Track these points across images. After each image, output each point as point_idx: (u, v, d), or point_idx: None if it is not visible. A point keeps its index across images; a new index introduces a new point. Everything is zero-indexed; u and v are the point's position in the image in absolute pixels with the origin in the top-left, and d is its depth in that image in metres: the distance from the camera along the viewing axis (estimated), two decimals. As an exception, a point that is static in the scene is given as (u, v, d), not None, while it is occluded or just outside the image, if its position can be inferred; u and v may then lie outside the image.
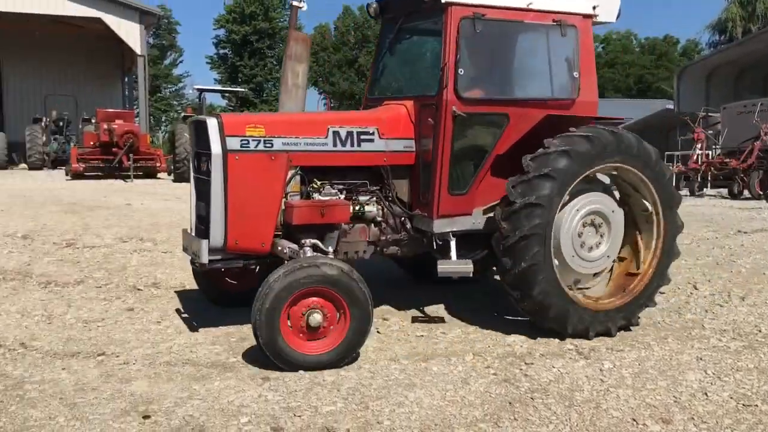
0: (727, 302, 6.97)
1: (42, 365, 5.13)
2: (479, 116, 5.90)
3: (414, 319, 6.40)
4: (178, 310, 6.56)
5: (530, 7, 5.91)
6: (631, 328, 6.13)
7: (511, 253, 5.54)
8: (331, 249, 5.66)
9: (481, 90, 6.09)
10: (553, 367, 5.15)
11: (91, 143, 22.26)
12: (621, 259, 6.26)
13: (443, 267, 5.79)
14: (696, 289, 7.43)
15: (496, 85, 6.35)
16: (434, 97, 5.75)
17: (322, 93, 58.22)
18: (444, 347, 5.64)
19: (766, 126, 19.04)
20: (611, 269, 6.27)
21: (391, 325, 6.24)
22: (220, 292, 6.48)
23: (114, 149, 21.63)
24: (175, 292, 7.27)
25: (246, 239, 5.46)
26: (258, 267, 6.07)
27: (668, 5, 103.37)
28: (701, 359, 5.35)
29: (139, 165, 21.80)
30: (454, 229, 5.94)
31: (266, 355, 4.91)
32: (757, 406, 4.48)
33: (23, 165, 25.95)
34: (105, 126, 21.81)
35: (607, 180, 6.24)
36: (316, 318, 4.97)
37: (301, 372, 4.94)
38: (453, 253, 5.89)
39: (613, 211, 5.99)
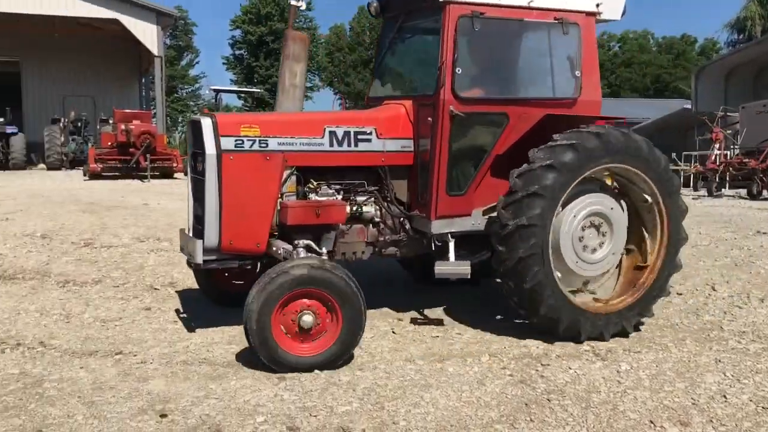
0: (746, 304, 6.89)
1: (60, 364, 5.17)
2: (477, 116, 5.84)
3: (429, 320, 6.38)
4: (194, 310, 6.60)
5: (531, 5, 5.84)
6: (649, 329, 6.09)
7: (513, 275, 5.50)
8: (325, 250, 5.63)
9: (480, 89, 6.04)
10: (570, 368, 5.13)
11: (109, 144, 22.46)
12: (628, 251, 6.11)
13: (440, 268, 5.73)
14: (714, 290, 7.36)
15: (494, 85, 6.27)
16: (432, 97, 5.71)
17: (337, 93, 58.30)
18: (459, 348, 5.62)
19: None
20: (619, 265, 6.14)
21: (405, 325, 6.24)
22: (220, 292, 6.49)
23: (131, 149, 21.78)
24: (192, 291, 7.30)
25: (241, 240, 5.45)
26: (259, 266, 6.04)
27: (686, 4, 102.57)
28: (720, 361, 5.30)
29: (156, 165, 21.94)
30: (453, 230, 5.87)
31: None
32: (776, 409, 4.43)
33: (42, 165, 26.21)
34: (122, 126, 21.98)
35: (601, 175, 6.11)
36: (308, 320, 4.94)
37: (317, 372, 4.96)
38: (451, 255, 5.83)
39: (612, 209, 5.86)
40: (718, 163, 20.09)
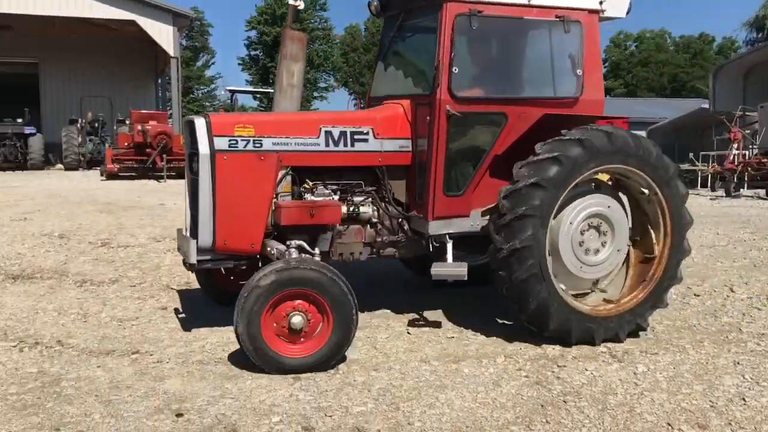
0: (765, 306, 6.82)
1: (78, 363, 5.21)
2: (475, 116, 5.77)
3: (444, 321, 6.37)
4: (210, 310, 6.61)
5: (532, 2, 5.75)
6: (666, 331, 6.04)
7: (517, 295, 5.44)
8: (318, 250, 5.59)
9: (477, 89, 5.98)
10: (586, 369, 5.09)
11: (126, 144, 22.65)
12: (634, 244, 5.99)
13: (436, 270, 5.68)
14: (732, 291, 7.30)
15: (493, 84, 6.19)
16: (429, 96, 5.65)
17: (352, 93, 58.41)
18: (475, 349, 5.61)
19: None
20: (626, 260, 6.01)
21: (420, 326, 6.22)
22: (220, 292, 6.49)
23: (148, 150, 21.95)
24: (208, 291, 7.33)
25: (235, 240, 5.43)
26: (260, 265, 6.04)
27: (703, 3, 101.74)
28: (738, 363, 5.25)
29: (172, 165, 22.07)
30: (451, 231, 5.81)
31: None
32: (796, 412, 4.38)
33: (59, 165, 26.46)
34: (139, 127, 22.16)
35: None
36: (297, 321, 4.92)
37: (332, 371, 4.96)
38: (449, 256, 5.77)
39: (609, 207, 5.74)
40: (736, 163, 19.93)
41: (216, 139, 5.38)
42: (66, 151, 25.39)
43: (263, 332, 4.86)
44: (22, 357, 5.33)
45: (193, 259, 5.40)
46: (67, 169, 25.25)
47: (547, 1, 5.81)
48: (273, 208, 5.54)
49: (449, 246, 5.81)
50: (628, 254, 5.99)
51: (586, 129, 5.50)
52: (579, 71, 5.94)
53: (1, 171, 24.21)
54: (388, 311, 6.59)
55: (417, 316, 6.45)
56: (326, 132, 5.73)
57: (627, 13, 6.22)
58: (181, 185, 6.92)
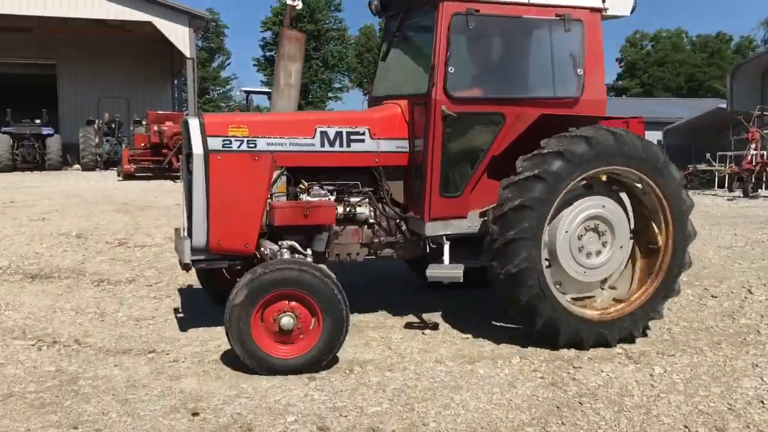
0: (784, 307, 6.75)
1: (95, 361, 5.26)
2: (472, 116, 5.71)
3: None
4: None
5: (531, 1, 5.67)
6: (683, 332, 6.00)
7: (525, 315, 5.42)
8: (310, 251, 5.57)
9: (475, 89, 5.93)
10: (602, 371, 5.07)
11: (142, 145, 22.76)
12: (638, 236, 5.91)
13: (432, 271, 5.65)
14: (750, 293, 7.22)
15: (490, 84, 6.11)
16: (425, 96, 5.61)
17: (366, 94, 58.41)
18: (490, 350, 5.59)
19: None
20: (632, 254, 5.93)
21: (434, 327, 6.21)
22: (221, 292, 6.45)
23: (164, 150, 22.05)
24: (223, 291, 7.36)
25: (229, 240, 5.43)
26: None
27: (721, 1, 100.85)
28: (757, 366, 5.20)
29: (188, 166, 22.10)
30: (448, 233, 5.76)
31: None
32: (816, 415, 4.33)
33: (77, 166, 26.66)
34: (155, 128, 22.27)
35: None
36: (287, 321, 4.91)
37: (347, 372, 4.97)
38: (446, 257, 5.72)
39: (603, 206, 5.66)
40: (754, 164, 19.74)
41: (210, 140, 5.39)
42: (83, 151, 25.57)
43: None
44: (40, 356, 5.38)
45: (187, 258, 5.41)
46: (84, 169, 25.43)
47: (548, 0, 5.73)
48: (268, 208, 5.54)
49: (446, 247, 5.75)
50: (633, 249, 5.91)
51: (564, 136, 5.39)
52: (580, 71, 5.84)
53: (19, 171, 24.44)
54: (402, 311, 6.58)
55: (430, 319, 6.43)
56: (321, 132, 5.71)
57: (632, 11, 6.12)
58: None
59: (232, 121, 5.59)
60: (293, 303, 4.94)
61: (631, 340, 5.67)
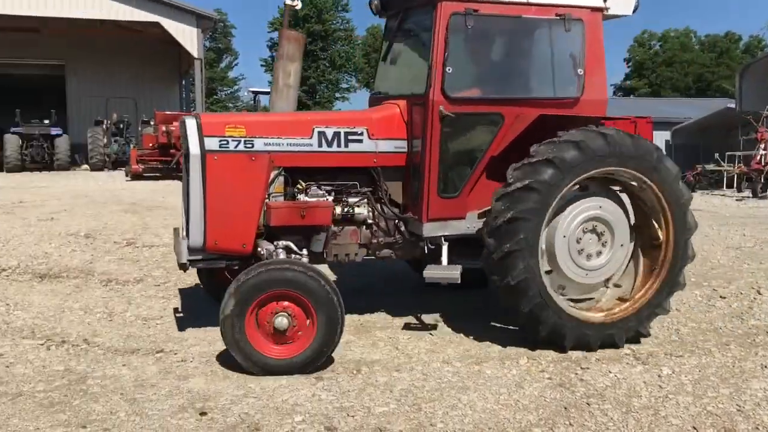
0: (793, 308, 6.72)
1: (104, 361, 5.28)
2: (470, 116, 5.68)
3: (464, 322, 6.34)
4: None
5: (531, 0, 5.63)
6: (692, 333, 5.98)
7: (529, 324, 5.41)
8: (306, 251, 5.57)
9: (473, 89, 5.91)
10: (610, 372, 5.05)
11: (150, 145, 22.82)
12: (639, 232, 5.88)
13: (429, 272, 5.63)
14: (759, 294, 7.18)
15: (488, 84, 6.09)
16: (423, 97, 5.59)
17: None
18: (497, 350, 5.58)
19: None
20: (634, 250, 5.89)
21: (442, 327, 6.21)
22: (221, 292, 6.49)
23: (172, 151, 22.08)
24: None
25: (226, 240, 5.43)
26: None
27: (730, 1, 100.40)
28: (766, 367, 5.17)
29: (195, 166, 22.14)
30: (446, 233, 5.74)
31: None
32: (826, 416, 4.30)
33: (85, 166, 26.77)
34: (163, 128, 22.30)
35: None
36: (281, 321, 4.91)
37: (354, 372, 4.97)
38: (444, 258, 5.70)
39: (600, 207, 5.63)
40: (763, 164, 19.66)
41: (206, 140, 5.39)
42: (91, 151, 25.68)
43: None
44: (49, 355, 5.41)
45: (184, 258, 5.42)
46: (92, 169, 25.53)
47: None
48: (265, 208, 5.54)
49: (444, 248, 5.73)
50: (635, 246, 5.89)
51: (553, 142, 5.36)
52: (580, 71, 5.80)
53: (28, 171, 24.55)
54: (407, 312, 6.58)
55: (437, 319, 6.43)
56: (319, 132, 5.70)
57: (634, 11, 6.07)
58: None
59: (229, 121, 5.59)
60: (285, 303, 4.95)
61: (637, 339, 5.65)
